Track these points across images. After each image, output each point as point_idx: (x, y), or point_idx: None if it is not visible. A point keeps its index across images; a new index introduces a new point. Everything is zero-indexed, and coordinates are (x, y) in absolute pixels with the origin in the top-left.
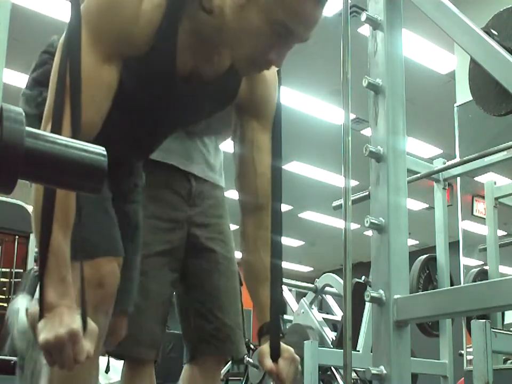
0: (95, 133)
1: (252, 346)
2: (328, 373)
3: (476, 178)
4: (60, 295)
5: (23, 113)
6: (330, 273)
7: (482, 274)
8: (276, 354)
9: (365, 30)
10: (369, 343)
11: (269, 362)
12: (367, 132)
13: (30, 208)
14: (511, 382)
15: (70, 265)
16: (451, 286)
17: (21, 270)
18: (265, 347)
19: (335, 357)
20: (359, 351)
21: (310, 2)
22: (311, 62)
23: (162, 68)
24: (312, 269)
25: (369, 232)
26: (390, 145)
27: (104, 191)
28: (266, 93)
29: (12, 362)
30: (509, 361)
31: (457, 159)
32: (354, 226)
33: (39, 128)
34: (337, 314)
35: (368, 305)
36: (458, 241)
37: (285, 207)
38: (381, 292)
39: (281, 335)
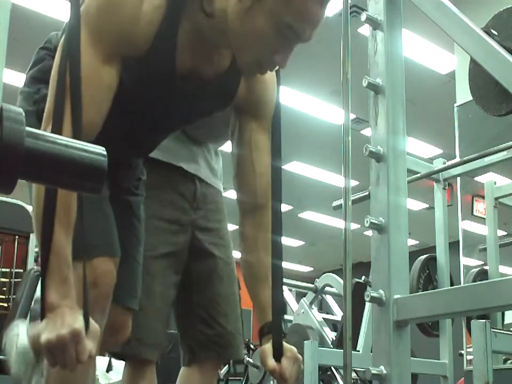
0: (95, 133)
1: (252, 346)
2: (328, 373)
3: (475, 178)
4: (61, 296)
5: (23, 113)
6: (330, 273)
7: (482, 274)
8: (278, 353)
9: (365, 30)
10: (369, 343)
11: (271, 362)
12: (367, 131)
13: (30, 208)
14: (511, 382)
15: (71, 265)
16: (451, 286)
17: (21, 270)
18: (267, 347)
19: (335, 357)
20: (359, 351)
21: (314, 3)
22: (311, 62)
23: (162, 68)
24: (312, 269)
25: (369, 232)
26: (390, 145)
27: (103, 190)
28: (265, 93)
29: None
30: (509, 361)
31: (457, 159)
32: (354, 226)
33: (37, 125)
34: (337, 314)
35: (368, 305)
36: (458, 241)
37: (285, 207)
38: (381, 292)
39: (283, 334)
